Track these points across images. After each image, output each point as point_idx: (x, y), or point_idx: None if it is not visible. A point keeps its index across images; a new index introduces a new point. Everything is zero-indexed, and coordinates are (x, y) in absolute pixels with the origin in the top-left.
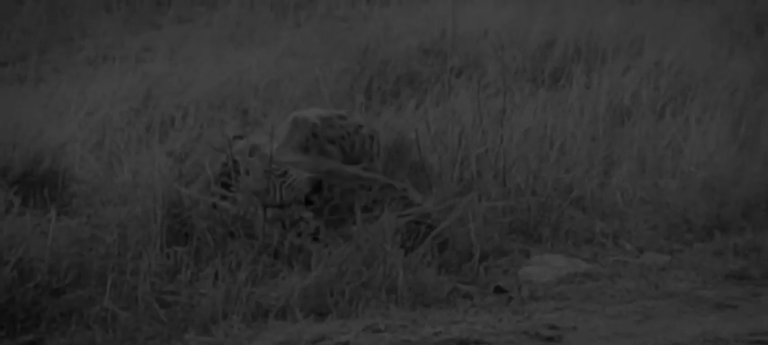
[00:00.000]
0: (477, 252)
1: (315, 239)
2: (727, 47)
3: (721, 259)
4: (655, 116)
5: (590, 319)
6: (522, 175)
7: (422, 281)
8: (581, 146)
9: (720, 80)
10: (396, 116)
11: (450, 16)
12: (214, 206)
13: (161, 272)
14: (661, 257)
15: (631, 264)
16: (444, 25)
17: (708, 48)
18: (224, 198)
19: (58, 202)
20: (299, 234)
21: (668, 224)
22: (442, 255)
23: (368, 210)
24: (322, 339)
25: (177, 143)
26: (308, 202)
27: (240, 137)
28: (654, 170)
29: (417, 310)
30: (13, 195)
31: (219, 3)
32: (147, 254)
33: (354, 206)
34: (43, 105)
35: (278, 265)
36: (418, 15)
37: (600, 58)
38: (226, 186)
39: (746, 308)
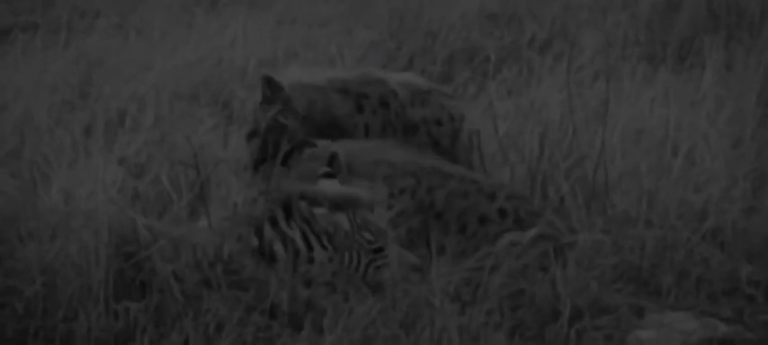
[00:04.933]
0: (567, 310)
1: (330, 289)
2: None
3: None
4: None
5: None
6: (631, 197)
7: None
8: (718, 155)
9: None
10: None
11: None
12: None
13: (106, 340)
14: None
15: None
16: None
17: None
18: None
19: None
20: (308, 283)
21: None
22: (516, 313)
23: (485, 221)
24: None
25: (130, 150)
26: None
27: (331, 175)
28: None
29: None
30: None
31: None
32: (85, 313)
33: (466, 216)
34: None
35: (275, 328)
36: None
37: (746, 27)
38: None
39: None
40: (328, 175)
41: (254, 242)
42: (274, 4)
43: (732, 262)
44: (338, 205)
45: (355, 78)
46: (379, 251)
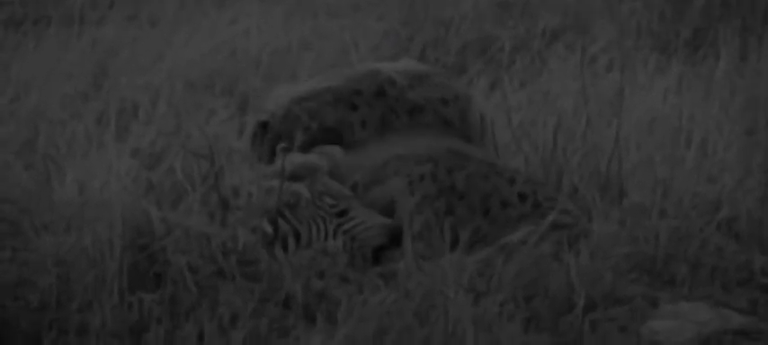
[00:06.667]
0: (581, 300)
1: (343, 280)
2: None
3: None
4: None
5: None
6: (645, 187)
7: (500, 342)
8: (732, 144)
9: None
10: None
11: None
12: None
13: (121, 331)
14: None
15: None
16: None
17: None
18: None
19: None
20: (321, 274)
21: None
22: (530, 304)
23: (506, 205)
24: None
25: (144, 140)
26: (376, 258)
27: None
28: None
29: None
30: None
31: None
32: (100, 305)
33: (490, 200)
34: None
35: (290, 319)
36: None
37: (760, 16)
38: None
39: None
40: (286, 150)
41: (269, 230)
42: None
43: (746, 253)
44: (296, 175)
45: (344, 80)
46: (343, 214)
